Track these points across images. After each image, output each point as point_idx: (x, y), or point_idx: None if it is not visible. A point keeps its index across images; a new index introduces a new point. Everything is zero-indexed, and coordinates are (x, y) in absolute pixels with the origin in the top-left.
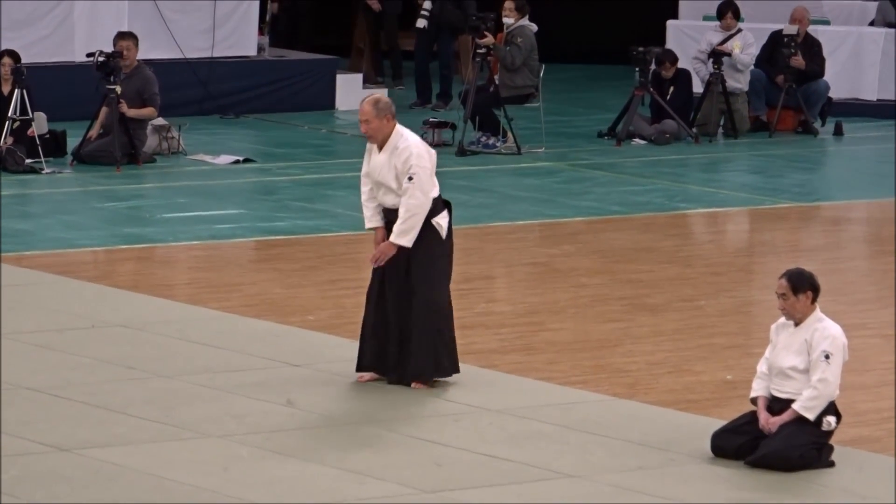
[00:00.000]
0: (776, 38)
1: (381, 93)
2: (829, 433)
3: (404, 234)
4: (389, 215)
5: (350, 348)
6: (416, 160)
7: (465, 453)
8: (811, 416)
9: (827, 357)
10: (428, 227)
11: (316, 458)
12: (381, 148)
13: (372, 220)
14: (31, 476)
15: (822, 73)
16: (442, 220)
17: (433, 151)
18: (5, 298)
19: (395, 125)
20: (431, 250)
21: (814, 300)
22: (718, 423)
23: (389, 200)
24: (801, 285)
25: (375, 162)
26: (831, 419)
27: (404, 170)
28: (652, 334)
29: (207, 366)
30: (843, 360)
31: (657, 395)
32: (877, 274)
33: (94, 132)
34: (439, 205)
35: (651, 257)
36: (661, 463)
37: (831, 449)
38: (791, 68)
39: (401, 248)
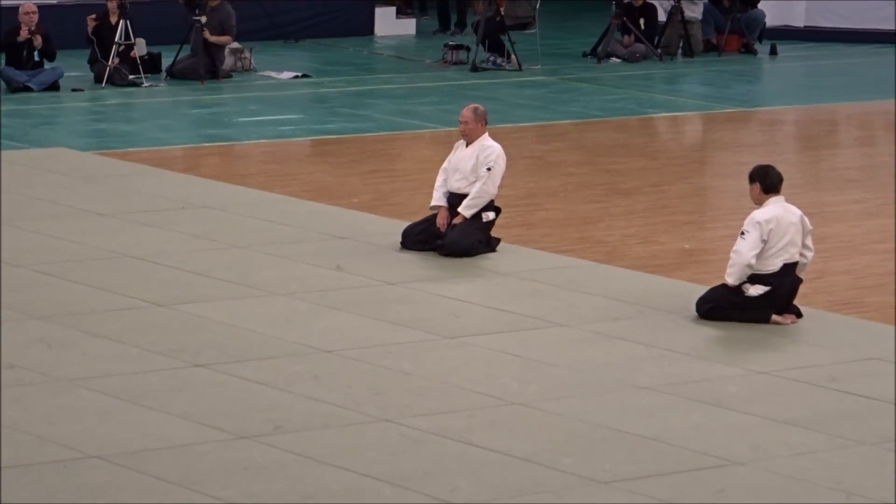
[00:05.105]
0: None
1: (478, 103)
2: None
3: (469, 209)
4: (452, 199)
5: (386, 225)
6: (496, 158)
7: (478, 307)
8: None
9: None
10: (476, 215)
11: (359, 312)
12: (468, 145)
13: (439, 201)
14: (135, 326)
15: None
16: (484, 216)
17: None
18: (115, 187)
19: (485, 131)
20: (473, 231)
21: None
22: (680, 284)
23: (457, 184)
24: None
25: (461, 154)
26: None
27: (485, 161)
28: (625, 213)
29: (274, 238)
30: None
31: (630, 261)
32: (803, 164)
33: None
34: (491, 204)
35: (625, 152)
36: (634, 315)
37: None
38: (737, 3)
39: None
